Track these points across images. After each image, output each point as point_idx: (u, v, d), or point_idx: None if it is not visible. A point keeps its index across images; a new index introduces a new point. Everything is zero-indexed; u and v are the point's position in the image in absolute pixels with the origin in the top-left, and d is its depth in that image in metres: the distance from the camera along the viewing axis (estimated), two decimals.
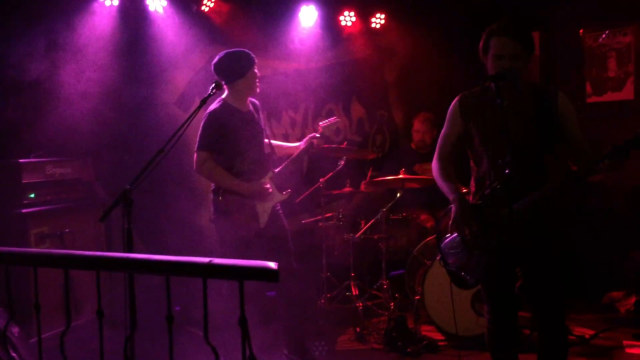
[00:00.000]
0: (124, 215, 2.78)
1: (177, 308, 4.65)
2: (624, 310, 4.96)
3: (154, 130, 4.83)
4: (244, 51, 3.70)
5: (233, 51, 3.68)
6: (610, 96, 5.36)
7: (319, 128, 4.02)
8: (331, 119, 4.15)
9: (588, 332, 4.34)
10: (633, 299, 4.94)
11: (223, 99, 3.70)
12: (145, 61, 4.89)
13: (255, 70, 3.71)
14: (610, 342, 4.21)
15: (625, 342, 4.19)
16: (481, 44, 2.75)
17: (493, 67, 2.67)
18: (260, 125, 3.84)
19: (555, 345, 2.79)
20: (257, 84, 3.76)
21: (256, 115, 3.83)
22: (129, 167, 4.55)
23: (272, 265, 1.97)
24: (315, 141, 3.95)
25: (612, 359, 3.93)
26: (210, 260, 2.02)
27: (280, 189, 3.86)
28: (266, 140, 3.89)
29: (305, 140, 4.02)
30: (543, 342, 2.81)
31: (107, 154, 4.69)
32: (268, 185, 3.76)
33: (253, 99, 3.88)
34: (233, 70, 3.64)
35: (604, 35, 5.37)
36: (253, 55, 3.71)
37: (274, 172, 3.82)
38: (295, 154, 3.96)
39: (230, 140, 3.66)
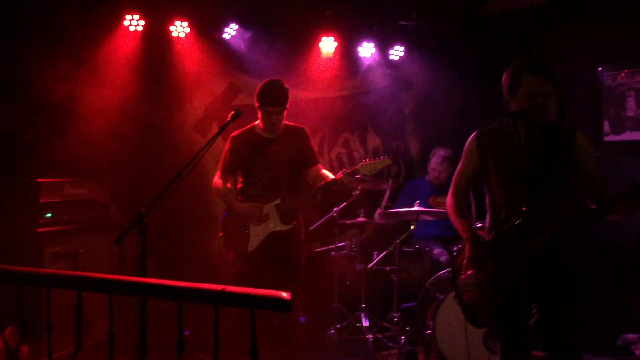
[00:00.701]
0: (139, 238, 2.80)
1: (187, 332, 4.63)
2: (639, 353, 4.86)
3: (171, 153, 4.88)
4: (268, 88, 3.71)
5: (270, 80, 3.75)
6: (628, 135, 5.33)
7: (357, 166, 3.76)
8: (378, 158, 3.81)
9: None
10: None
11: (254, 123, 3.84)
12: (166, 85, 4.97)
13: (268, 112, 3.69)
14: None
15: None
16: (508, 79, 2.73)
17: (524, 104, 2.64)
18: (287, 152, 3.77)
19: None
20: (271, 126, 3.73)
21: (287, 142, 3.79)
22: (144, 189, 4.58)
23: (285, 295, 1.97)
24: (338, 176, 3.68)
25: None
26: (224, 288, 2.02)
27: (284, 218, 3.75)
28: (323, 170, 3.85)
29: (337, 175, 3.81)
30: None
31: (124, 175, 4.74)
32: (258, 209, 3.71)
33: (298, 125, 3.90)
34: (258, 97, 3.74)
35: (622, 75, 5.37)
36: (271, 98, 3.68)
37: (282, 200, 3.73)
38: (314, 187, 3.83)
39: (244, 163, 3.80)
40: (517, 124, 2.56)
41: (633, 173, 5.07)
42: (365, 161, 3.75)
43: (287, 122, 3.88)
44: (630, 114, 5.32)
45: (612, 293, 5.25)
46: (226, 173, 3.85)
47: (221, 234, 3.85)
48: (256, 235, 3.74)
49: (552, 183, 2.67)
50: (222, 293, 2.01)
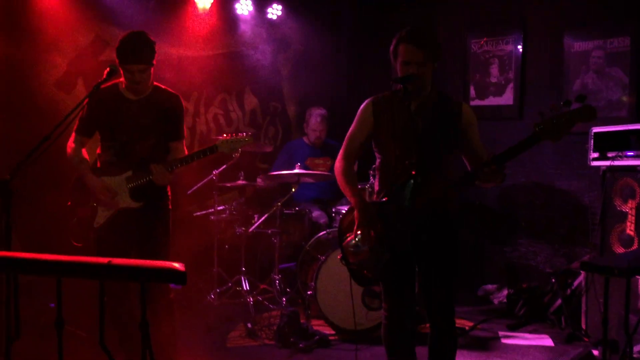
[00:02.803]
0: (3, 208, 2.52)
1: (52, 305, 4.30)
2: (498, 302, 5.31)
3: (31, 112, 4.43)
4: (130, 42, 3.18)
5: (131, 33, 3.22)
6: (491, 100, 5.69)
7: (216, 142, 3.32)
8: (240, 134, 3.38)
9: (467, 324, 4.59)
10: (505, 292, 5.30)
11: (119, 79, 3.32)
12: (23, 35, 4.45)
13: (130, 71, 3.18)
14: (487, 334, 4.48)
15: (500, 333, 4.48)
16: (392, 48, 2.82)
17: (401, 73, 2.76)
18: (151, 118, 3.31)
19: (446, 338, 2.91)
20: (133, 85, 3.24)
21: (154, 107, 3.33)
22: (2, 152, 4.14)
23: (178, 265, 1.87)
24: (190, 156, 3.29)
25: (490, 350, 4.17)
26: (110, 261, 1.87)
27: (134, 193, 3.29)
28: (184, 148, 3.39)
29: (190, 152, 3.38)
30: (434, 335, 2.92)
31: None
32: (107, 191, 3.27)
33: (172, 91, 3.41)
34: (118, 53, 3.20)
35: (482, 42, 5.68)
36: (133, 54, 3.16)
37: (133, 173, 3.28)
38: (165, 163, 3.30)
39: (101, 124, 3.35)
40: (407, 89, 2.61)
41: (495, 135, 5.45)
42: (224, 137, 3.33)
43: (160, 85, 3.42)
44: (493, 80, 5.67)
45: (473, 248, 5.67)
46: (81, 134, 3.36)
47: (69, 203, 3.41)
48: (104, 210, 3.29)
49: (439, 148, 2.79)
50: (109, 266, 1.86)
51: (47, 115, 4.29)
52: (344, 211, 4.46)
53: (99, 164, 3.41)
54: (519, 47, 5.48)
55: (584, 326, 4.23)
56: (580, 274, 4.48)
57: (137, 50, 3.17)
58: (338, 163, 2.96)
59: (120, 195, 3.29)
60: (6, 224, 2.55)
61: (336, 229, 4.56)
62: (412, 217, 2.68)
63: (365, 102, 2.94)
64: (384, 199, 2.84)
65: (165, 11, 5.17)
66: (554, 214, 5.38)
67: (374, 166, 3.03)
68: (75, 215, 3.39)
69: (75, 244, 3.39)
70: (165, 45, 5.20)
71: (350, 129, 2.95)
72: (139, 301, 1.95)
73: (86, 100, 2.92)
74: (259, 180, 4.99)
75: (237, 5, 5.64)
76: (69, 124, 2.74)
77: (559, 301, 4.65)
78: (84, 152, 3.40)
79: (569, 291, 4.60)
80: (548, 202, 5.41)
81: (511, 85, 5.55)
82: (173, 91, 3.45)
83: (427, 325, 3.01)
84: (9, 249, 2.52)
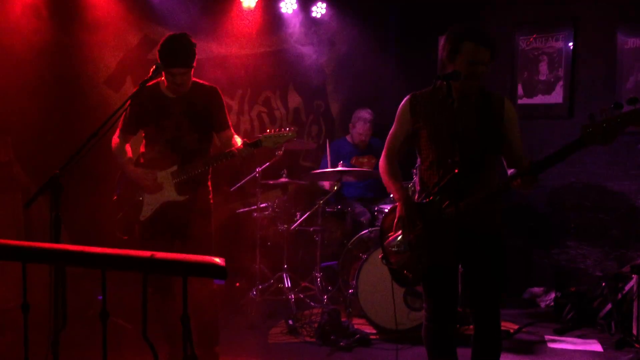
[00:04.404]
0: (52, 202, 2.59)
1: (100, 297, 4.41)
2: (544, 305, 5.17)
3: (81, 107, 4.57)
4: (172, 45, 3.23)
5: (172, 36, 3.28)
6: (540, 99, 5.54)
7: (260, 136, 3.40)
8: (283, 129, 3.41)
9: (512, 327, 4.49)
10: (552, 295, 5.16)
11: (160, 79, 3.39)
12: (75, 35, 4.58)
13: (172, 74, 3.24)
14: (532, 337, 4.37)
15: (546, 337, 4.36)
16: (448, 45, 2.71)
17: (463, 70, 2.64)
18: (192, 114, 3.37)
19: (490, 340, 2.85)
20: (175, 87, 3.31)
21: (194, 103, 3.39)
22: (52, 147, 4.26)
23: (218, 260, 1.88)
24: (235, 150, 3.33)
25: (536, 354, 4.07)
26: (152, 255, 1.90)
27: (180, 187, 3.38)
28: (236, 137, 3.44)
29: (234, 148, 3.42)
30: (478, 338, 2.86)
31: (28, 131, 4.33)
32: (158, 179, 3.36)
33: (209, 84, 3.48)
34: (160, 56, 3.26)
35: (531, 39, 5.54)
36: (175, 58, 3.21)
37: (179, 168, 3.36)
38: (209, 157, 3.45)
39: (144, 123, 3.43)
40: (450, 86, 2.56)
41: (544, 135, 5.31)
42: (269, 132, 3.37)
43: (197, 80, 3.46)
44: (542, 77, 5.52)
45: (520, 250, 5.53)
46: (125, 132, 3.46)
47: (115, 197, 3.51)
48: (149, 203, 3.38)
49: (482, 148, 2.72)
50: (151, 260, 1.90)
51: (96, 112, 4.40)
52: (386, 210, 4.46)
53: (142, 161, 3.48)
54: (570, 43, 5.32)
55: (635, 332, 4.08)
56: (632, 278, 4.32)
57: (179, 54, 3.23)
58: (381, 161, 2.94)
59: (166, 189, 3.38)
60: (56, 218, 2.63)
61: (378, 228, 4.55)
62: (455, 219, 2.62)
63: (404, 99, 2.90)
64: (425, 200, 2.79)
65: (211, 10, 5.24)
66: (605, 216, 5.20)
67: (417, 165, 2.99)
68: (121, 210, 3.49)
69: (122, 237, 3.48)
70: (211, 44, 5.27)
71: (392, 127, 2.93)
72: (181, 293, 1.98)
73: (129, 102, 2.96)
74: (326, 184, 5.02)
75: (281, 4, 5.66)
76: (115, 121, 2.80)
77: (609, 306, 4.50)
78: (128, 147, 3.49)
79: (619, 295, 4.44)
80: (598, 203, 5.24)
81: (561, 83, 5.39)
82: (210, 84, 3.51)
83: (471, 326, 2.96)
84: (58, 242, 2.60)
